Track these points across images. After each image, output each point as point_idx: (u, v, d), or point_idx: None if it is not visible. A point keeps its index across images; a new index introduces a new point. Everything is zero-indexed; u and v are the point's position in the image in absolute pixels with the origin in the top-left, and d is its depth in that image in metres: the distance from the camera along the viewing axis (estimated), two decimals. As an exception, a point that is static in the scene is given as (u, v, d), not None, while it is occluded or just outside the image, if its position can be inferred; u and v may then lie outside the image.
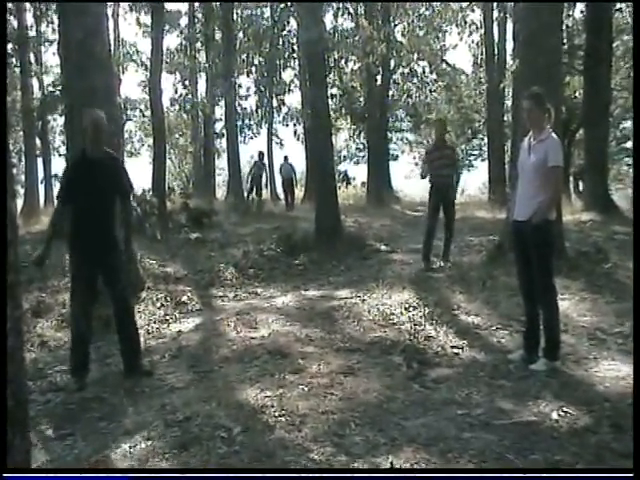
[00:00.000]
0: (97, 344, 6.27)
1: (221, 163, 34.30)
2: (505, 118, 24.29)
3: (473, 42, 26.58)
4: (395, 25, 25.84)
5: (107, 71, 8.02)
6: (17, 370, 2.00)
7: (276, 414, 4.38)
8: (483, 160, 33.66)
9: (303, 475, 2.11)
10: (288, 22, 27.50)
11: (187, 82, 30.85)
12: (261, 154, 23.02)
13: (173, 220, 15.13)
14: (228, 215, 18.26)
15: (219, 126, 31.51)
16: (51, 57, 43.99)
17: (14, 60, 24.43)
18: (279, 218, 17.37)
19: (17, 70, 25.04)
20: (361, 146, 35.83)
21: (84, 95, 7.45)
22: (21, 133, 26.83)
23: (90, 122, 5.32)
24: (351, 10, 25.53)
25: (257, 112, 30.38)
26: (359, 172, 35.28)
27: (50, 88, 27.49)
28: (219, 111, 29.94)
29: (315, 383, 4.95)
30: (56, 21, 21.36)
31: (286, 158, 23.81)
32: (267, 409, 4.48)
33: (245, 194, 22.84)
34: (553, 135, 5.15)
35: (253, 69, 28.73)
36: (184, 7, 28.19)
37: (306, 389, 4.84)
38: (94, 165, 5.32)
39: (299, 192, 25.72)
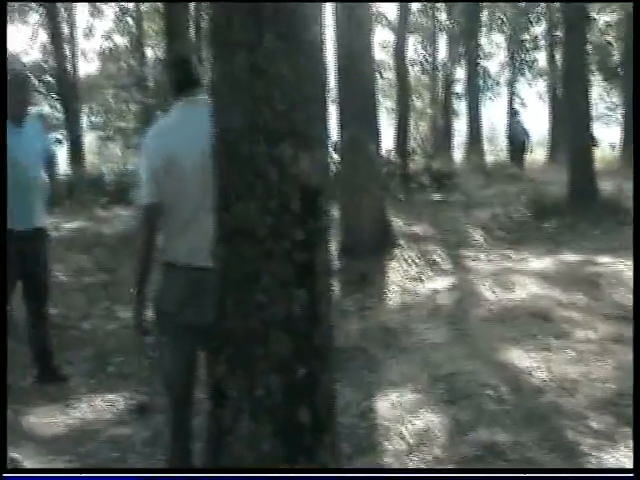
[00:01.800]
0: (354, 296, 6.56)
1: (457, 125, 33.64)
2: None
3: None
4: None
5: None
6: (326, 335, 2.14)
7: (544, 377, 4.24)
8: None
9: (306, 475, 2.07)
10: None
11: (426, 43, 30.61)
12: (514, 111, 21.75)
13: (415, 181, 15.20)
14: (468, 177, 17.94)
15: (459, 87, 30.90)
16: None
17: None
18: (522, 181, 16.71)
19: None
20: (611, 105, 33.25)
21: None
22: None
23: None
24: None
25: (502, 71, 29.39)
26: (606, 134, 32.85)
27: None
28: (460, 72, 29.35)
29: (583, 349, 4.71)
30: None
31: (515, 113, 20.82)
32: (534, 371, 4.35)
33: (486, 156, 22.28)
34: None
35: (497, 27, 27.75)
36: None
37: (574, 354, 4.62)
38: None
39: (537, 156, 24.34)
